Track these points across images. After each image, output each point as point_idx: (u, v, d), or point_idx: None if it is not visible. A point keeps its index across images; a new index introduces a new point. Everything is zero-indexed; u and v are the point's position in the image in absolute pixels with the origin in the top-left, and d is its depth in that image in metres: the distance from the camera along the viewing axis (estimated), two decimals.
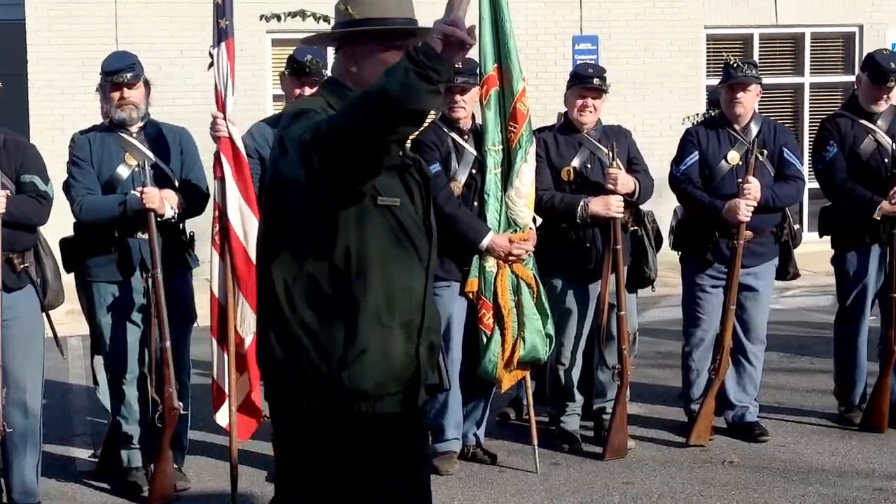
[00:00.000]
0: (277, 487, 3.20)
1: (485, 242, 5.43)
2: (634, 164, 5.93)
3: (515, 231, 5.52)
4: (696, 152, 5.95)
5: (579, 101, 5.85)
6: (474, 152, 5.57)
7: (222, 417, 5.22)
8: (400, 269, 3.00)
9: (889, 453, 5.72)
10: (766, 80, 14.80)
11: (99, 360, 5.54)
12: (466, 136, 5.61)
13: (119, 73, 5.27)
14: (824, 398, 6.64)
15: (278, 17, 7.21)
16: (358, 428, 2.99)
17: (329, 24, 3.43)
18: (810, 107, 14.74)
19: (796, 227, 6.11)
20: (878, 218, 5.93)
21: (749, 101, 5.95)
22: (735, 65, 5.93)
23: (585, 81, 5.85)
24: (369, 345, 2.94)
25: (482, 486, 5.40)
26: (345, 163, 2.75)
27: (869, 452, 5.76)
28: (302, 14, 7.10)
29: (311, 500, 3.05)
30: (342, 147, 2.71)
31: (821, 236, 6.45)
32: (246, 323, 5.13)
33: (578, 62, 11.01)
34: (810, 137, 12.23)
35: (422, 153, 5.50)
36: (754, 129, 5.98)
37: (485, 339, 5.52)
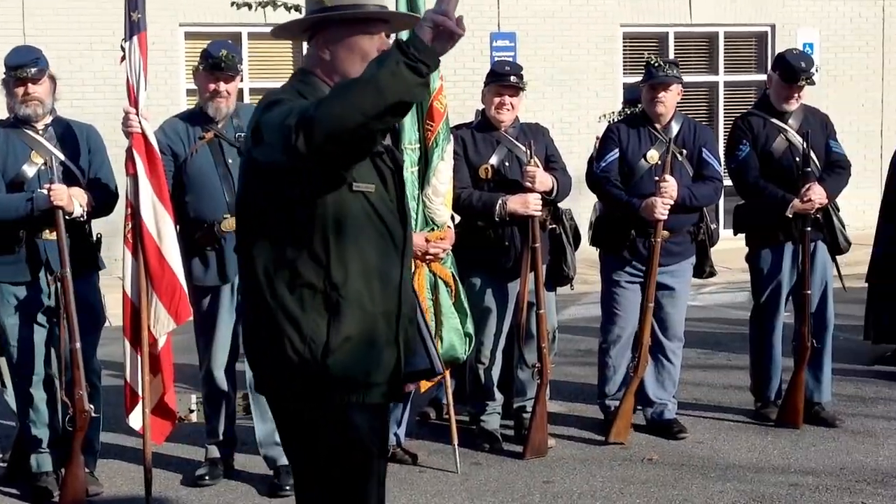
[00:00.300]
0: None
1: None
2: (552, 162, 5.92)
3: (433, 230, 5.46)
4: (617, 149, 5.96)
5: (497, 99, 5.83)
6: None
7: (135, 420, 5.10)
8: (378, 256, 3.00)
9: (804, 448, 5.80)
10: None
11: (3, 361, 5.37)
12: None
13: (22, 67, 5.10)
14: (741, 394, 6.71)
15: (249, 6, 7.06)
16: (349, 423, 3.00)
17: (300, 13, 3.38)
18: (725, 105, 14.96)
19: (713, 226, 6.16)
20: (790, 216, 6.00)
21: (670, 101, 5.98)
22: (657, 64, 5.95)
23: (503, 79, 5.83)
24: (353, 331, 2.95)
25: (402, 486, 5.34)
26: (331, 148, 2.73)
27: (785, 448, 5.83)
28: (273, 3, 6.96)
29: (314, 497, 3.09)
30: (330, 132, 2.69)
31: (735, 234, 6.50)
32: (160, 323, 5.01)
33: (496, 59, 10.98)
34: (725, 135, 12.39)
35: None
36: (675, 127, 6.01)
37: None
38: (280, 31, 3.24)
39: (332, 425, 3.00)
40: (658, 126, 5.99)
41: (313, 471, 3.06)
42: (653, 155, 5.93)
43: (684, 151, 5.90)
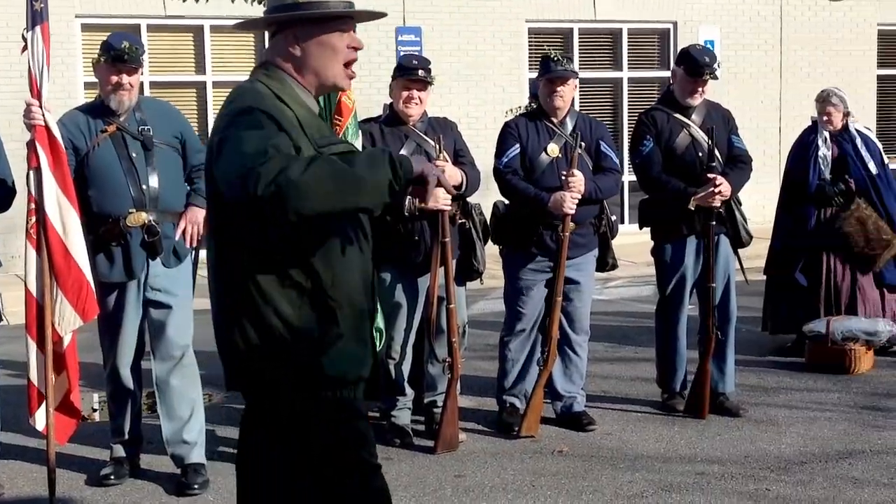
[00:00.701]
0: (252, 491, 3.16)
1: None
2: (461, 157, 5.92)
3: None
4: (517, 144, 5.98)
5: (405, 93, 5.81)
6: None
7: (39, 420, 4.95)
8: (358, 254, 3.04)
9: (710, 438, 5.90)
10: (586, 75, 15.24)
11: None
12: None
13: None
14: (648, 386, 6.80)
15: None
16: (342, 420, 3.02)
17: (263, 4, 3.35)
18: (629, 101, 15.16)
19: (613, 218, 6.23)
20: (693, 209, 6.09)
21: (568, 95, 6.02)
22: (555, 58, 5.99)
23: (410, 73, 5.81)
24: (345, 329, 2.98)
25: None
26: (290, 216, 2.76)
27: (691, 437, 5.92)
28: None
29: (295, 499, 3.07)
30: (299, 208, 2.72)
31: (640, 228, 6.59)
32: (65, 321, 4.87)
33: (403, 53, 10.96)
34: (629, 131, 12.56)
35: None
36: (570, 122, 6.06)
37: None
38: (245, 27, 3.26)
39: (325, 423, 3.01)
40: (555, 120, 6.03)
41: (301, 475, 3.04)
42: (553, 148, 5.97)
43: (583, 145, 5.94)
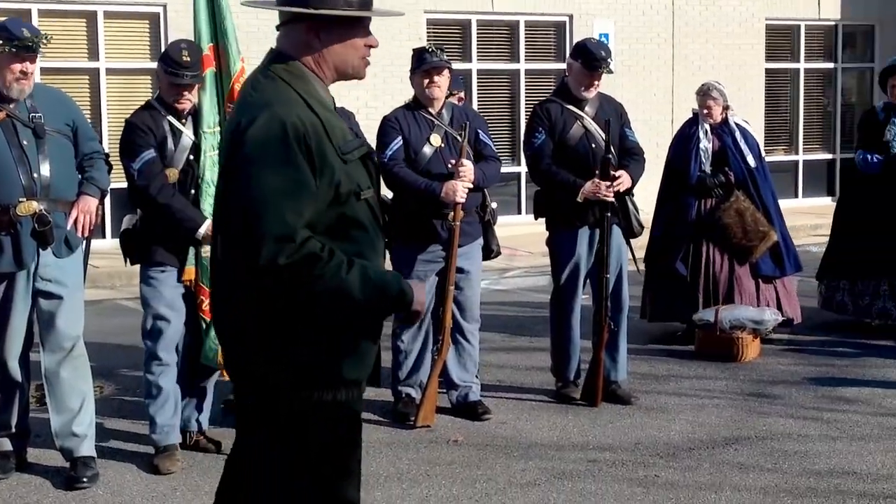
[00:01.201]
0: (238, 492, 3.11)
1: (202, 231, 5.26)
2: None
3: None
4: (400, 137, 5.99)
5: None
6: (192, 137, 5.38)
7: None
8: (377, 256, 3.03)
9: (602, 426, 6.00)
10: (484, 66, 15.31)
11: None
12: (184, 120, 5.40)
13: None
14: (542, 375, 6.89)
15: None
16: (341, 419, 2.99)
17: None
18: (526, 92, 15.28)
19: (493, 205, 6.28)
20: (581, 201, 6.18)
21: (444, 85, 6.06)
22: (430, 49, 6.01)
23: None
24: (359, 332, 2.98)
25: (206, 475, 5.24)
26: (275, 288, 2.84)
27: (584, 426, 6.01)
28: None
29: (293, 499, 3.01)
30: (295, 294, 2.81)
31: (536, 218, 6.66)
32: None
33: None
34: (526, 122, 12.67)
35: (134, 137, 5.28)
36: (446, 113, 6.10)
37: (204, 326, 5.38)
38: (256, 4, 3.21)
39: (323, 423, 2.97)
40: (433, 111, 6.05)
41: (299, 475, 2.99)
42: (436, 138, 6.00)
43: (463, 134, 5.96)
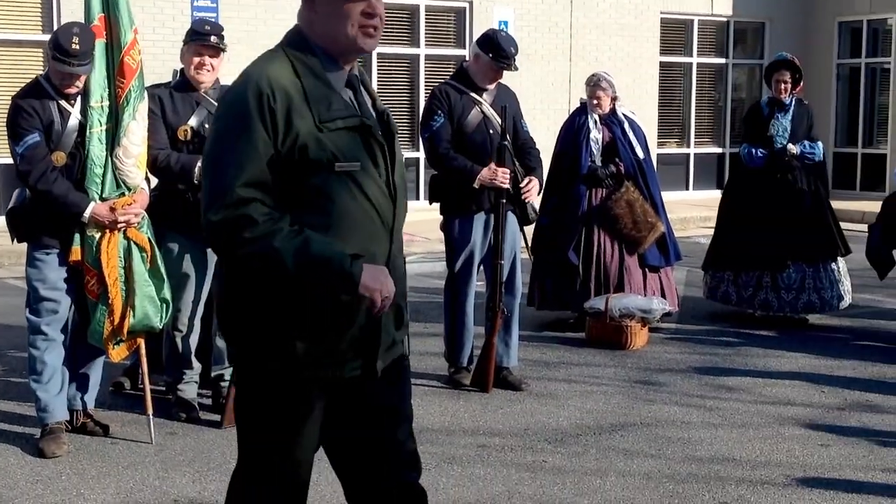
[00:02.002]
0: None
1: (86, 214, 5.16)
2: None
3: (124, 193, 5.28)
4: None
5: (196, 59, 5.69)
6: (80, 117, 5.25)
7: None
8: (361, 238, 2.91)
9: (492, 411, 6.07)
10: (384, 50, 15.27)
11: None
12: (73, 101, 5.27)
13: None
14: (436, 360, 6.93)
15: None
16: (312, 397, 2.98)
17: None
18: (425, 77, 15.29)
19: None
20: (477, 187, 6.23)
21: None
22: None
23: (203, 38, 5.69)
24: (334, 309, 2.90)
25: (93, 459, 5.16)
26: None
27: (475, 411, 6.07)
28: None
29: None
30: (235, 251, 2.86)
31: (430, 203, 6.68)
32: None
33: (197, 18, 10.70)
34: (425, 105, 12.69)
35: (20, 120, 5.14)
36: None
37: (90, 306, 5.28)
38: None
39: (295, 399, 2.97)
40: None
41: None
42: None
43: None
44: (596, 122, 7.99)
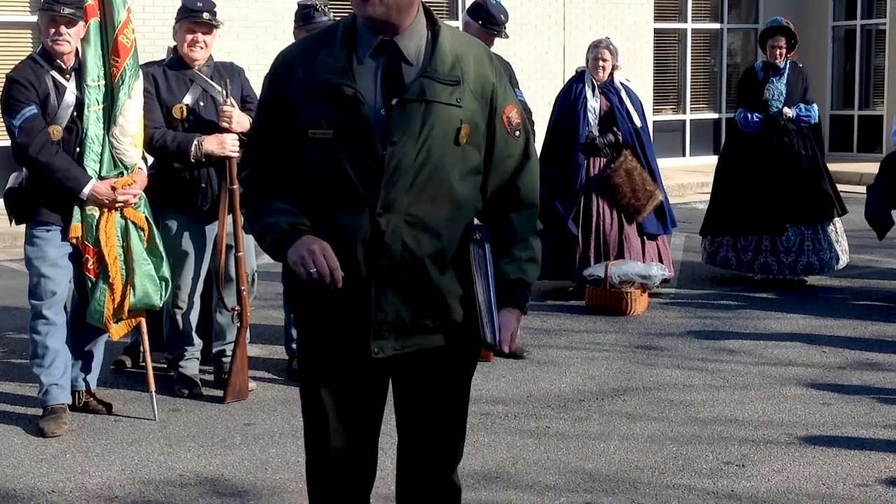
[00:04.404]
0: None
1: (86, 191, 5.15)
2: (248, 103, 5.84)
3: (122, 173, 5.27)
4: None
5: (189, 36, 5.66)
6: (76, 92, 5.24)
7: None
8: (335, 206, 2.85)
9: (495, 380, 6.09)
10: None
11: None
12: (68, 75, 5.25)
13: None
14: None
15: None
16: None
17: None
18: None
19: None
20: None
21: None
22: (317, 7, 5.86)
23: (195, 15, 5.66)
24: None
25: (97, 436, 5.18)
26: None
27: (477, 380, 5.97)
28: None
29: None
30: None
31: None
32: None
33: None
34: None
35: (16, 93, 5.13)
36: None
37: (90, 285, 5.28)
38: None
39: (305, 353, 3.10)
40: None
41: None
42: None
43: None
44: (594, 90, 7.96)
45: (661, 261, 8.09)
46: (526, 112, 6.53)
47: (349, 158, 2.82)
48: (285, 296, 6.02)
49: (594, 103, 7.93)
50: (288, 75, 2.89)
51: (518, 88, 6.61)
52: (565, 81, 15.97)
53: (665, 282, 8.11)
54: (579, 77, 8.09)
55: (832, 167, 8.93)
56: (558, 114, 8.11)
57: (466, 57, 2.92)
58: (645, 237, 8.05)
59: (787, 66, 8.46)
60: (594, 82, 7.96)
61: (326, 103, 2.82)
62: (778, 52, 8.39)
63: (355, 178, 2.82)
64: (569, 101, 8.03)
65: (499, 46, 6.72)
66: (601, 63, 7.91)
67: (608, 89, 8.00)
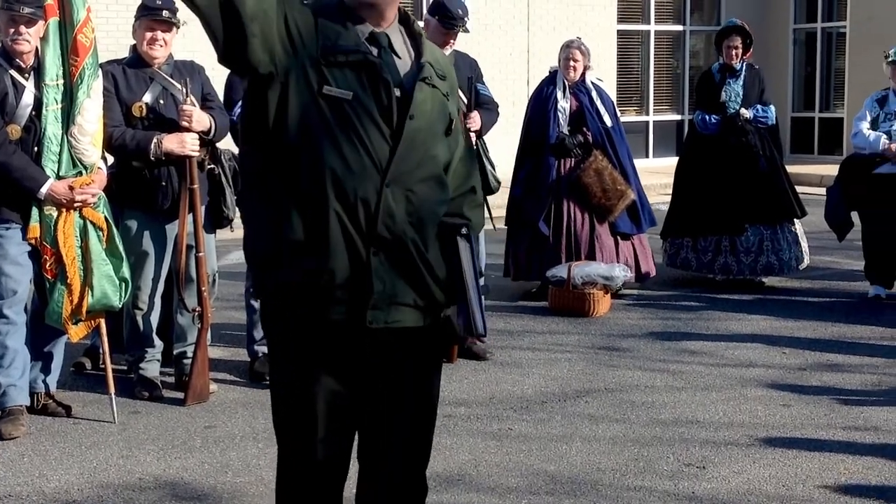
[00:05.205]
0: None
1: (43, 191, 5.09)
2: (209, 101, 5.80)
3: (81, 172, 5.21)
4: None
5: (149, 34, 5.61)
6: (35, 91, 5.18)
7: None
8: (344, 167, 2.83)
9: (458, 381, 6.08)
10: None
11: None
12: (27, 75, 5.19)
13: None
14: None
15: None
16: (300, 335, 2.96)
17: None
18: None
19: None
20: None
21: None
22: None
23: (154, 13, 5.61)
24: (303, 237, 2.85)
25: (55, 439, 5.12)
26: None
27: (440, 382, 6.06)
28: None
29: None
30: None
31: None
32: None
33: None
34: None
35: None
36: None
37: (48, 286, 5.22)
38: None
39: (283, 336, 3.00)
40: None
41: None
42: None
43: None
44: (564, 90, 7.98)
45: (637, 260, 8.12)
46: (492, 105, 6.60)
47: (364, 126, 2.86)
48: (249, 294, 6.06)
49: (564, 104, 7.95)
50: (306, 30, 2.85)
51: (481, 82, 6.63)
52: (528, 82, 16.04)
53: (644, 279, 8.21)
54: (551, 78, 8.11)
55: (793, 169, 9.01)
56: (530, 115, 8.15)
57: (442, 57, 3.09)
58: (619, 237, 8.07)
59: (744, 67, 8.53)
60: (565, 82, 7.98)
61: (350, 69, 2.86)
62: (734, 52, 8.45)
63: (371, 145, 2.86)
64: (540, 102, 8.06)
65: (463, 47, 6.71)
66: (572, 63, 7.94)
67: (579, 89, 8.02)
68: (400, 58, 2.96)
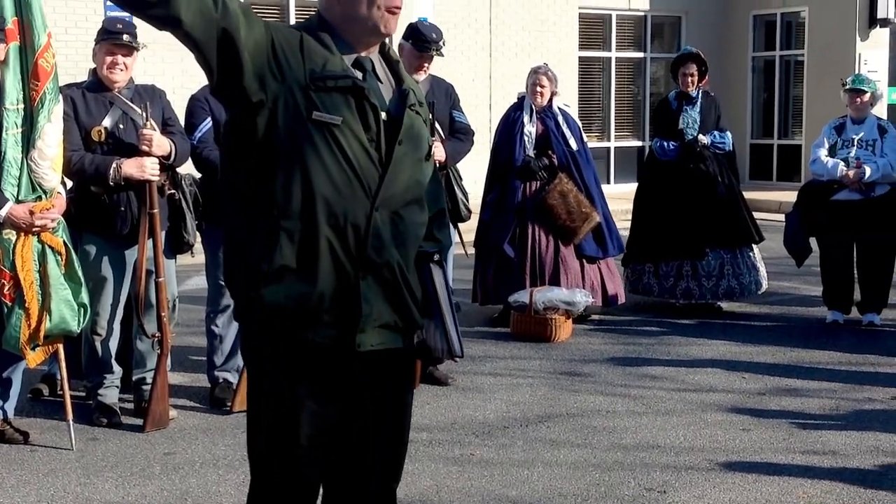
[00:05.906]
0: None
1: (2, 214, 5.05)
2: (170, 126, 5.78)
3: (40, 197, 5.17)
4: (209, 118, 5.89)
5: (109, 58, 5.59)
6: None
7: None
8: (333, 191, 2.82)
9: (419, 407, 6.00)
10: None
11: None
12: None
13: None
14: None
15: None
16: (284, 359, 2.92)
17: None
18: None
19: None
20: None
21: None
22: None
23: (114, 37, 5.59)
24: (291, 262, 2.83)
25: (12, 467, 5.05)
26: None
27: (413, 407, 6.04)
28: None
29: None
30: None
31: None
32: None
33: (109, 16, 10.52)
34: None
35: None
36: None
37: (6, 310, 5.16)
38: None
39: (267, 360, 2.94)
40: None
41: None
42: None
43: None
44: (531, 115, 8.04)
45: (603, 284, 8.15)
46: (467, 134, 6.63)
47: (353, 150, 2.86)
48: (209, 320, 6.02)
49: (530, 128, 8.02)
50: (292, 55, 2.84)
51: (458, 109, 6.68)
52: (491, 108, 16.11)
53: (612, 303, 8.23)
54: (519, 104, 8.18)
55: (752, 195, 9.11)
56: (498, 139, 8.22)
57: (415, 83, 3.14)
58: (584, 260, 8.10)
59: (700, 94, 8.63)
60: (532, 107, 8.04)
61: (339, 94, 2.86)
62: (690, 79, 8.55)
63: (360, 169, 2.87)
64: (507, 127, 8.13)
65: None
66: (539, 89, 8.01)
67: (546, 114, 8.09)
68: (382, 83, 2.99)
